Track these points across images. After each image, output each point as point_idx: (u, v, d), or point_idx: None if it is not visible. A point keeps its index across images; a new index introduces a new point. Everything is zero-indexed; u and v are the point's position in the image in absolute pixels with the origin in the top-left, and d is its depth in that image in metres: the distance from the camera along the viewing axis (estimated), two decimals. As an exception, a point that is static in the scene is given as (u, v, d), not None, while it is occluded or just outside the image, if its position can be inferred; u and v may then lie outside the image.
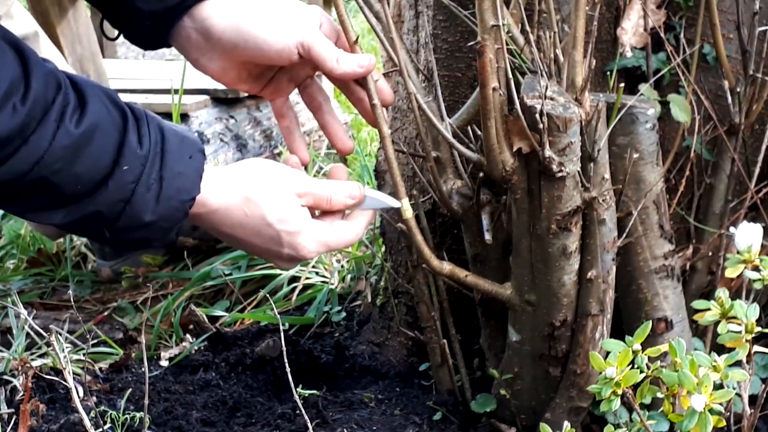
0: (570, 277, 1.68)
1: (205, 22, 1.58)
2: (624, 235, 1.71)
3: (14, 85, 1.31)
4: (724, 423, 1.37)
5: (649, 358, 1.38)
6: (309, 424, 1.71)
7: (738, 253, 1.47)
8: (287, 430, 1.86)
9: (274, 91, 1.68)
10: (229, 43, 1.58)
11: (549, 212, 1.62)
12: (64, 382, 1.58)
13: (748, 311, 1.40)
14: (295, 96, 1.71)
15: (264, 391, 2.03)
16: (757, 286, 1.45)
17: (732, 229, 1.50)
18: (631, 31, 1.86)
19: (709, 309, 1.43)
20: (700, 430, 1.32)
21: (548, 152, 1.57)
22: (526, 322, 1.74)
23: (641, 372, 1.37)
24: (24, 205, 1.42)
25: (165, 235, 1.48)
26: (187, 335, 2.34)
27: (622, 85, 1.65)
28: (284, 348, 1.69)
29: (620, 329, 1.77)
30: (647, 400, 1.39)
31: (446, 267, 1.71)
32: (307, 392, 1.92)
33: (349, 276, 2.42)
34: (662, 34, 1.83)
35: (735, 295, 1.52)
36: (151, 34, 1.62)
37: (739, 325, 1.40)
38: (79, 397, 1.59)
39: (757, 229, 1.47)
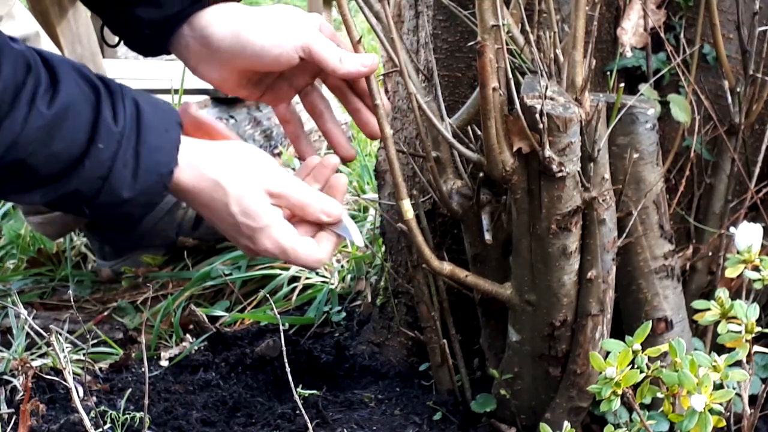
0: (570, 277, 1.68)
1: (204, 31, 1.59)
2: (624, 235, 1.71)
3: None
4: (724, 423, 1.37)
5: (649, 358, 1.38)
6: (309, 424, 1.71)
7: (738, 253, 1.47)
8: (287, 430, 1.86)
9: (275, 97, 1.68)
10: (228, 51, 1.58)
11: (549, 212, 1.62)
12: (64, 382, 1.58)
13: (748, 311, 1.40)
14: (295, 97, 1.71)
15: (264, 391, 2.03)
16: (757, 286, 1.45)
17: (732, 229, 1.51)
18: (631, 31, 1.86)
19: (709, 309, 1.43)
20: (700, 430, 1.32)
21: (548, 152, 1.57)
22: (526, 322, 1.74)
23: (641, 372, 1.37)
24: (1, 188, 1.42)
25: (147, 210, 1.48)
26: (187, 335, 2.34)
27: (622, 85, 1.65)
28: (284, 348, 1.69)
29: (620, 329, 1.77)
30: (647, 400, 1.40)
31: (446, 267, 1.71)
32: (307, 392, 1.91)
33: (349, 276, 2.42)
34: (662, 34, 1.83)
35: (735, 295, 1.52)
36: (151, 41, 1.63)
37: (739, 325, 1.40)
38: (79, 397, 1.59)
39: (757, 229, 1.47)
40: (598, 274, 1.68)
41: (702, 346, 1.86)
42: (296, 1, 5.51)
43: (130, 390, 1.98)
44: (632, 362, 1.37)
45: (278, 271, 2.46)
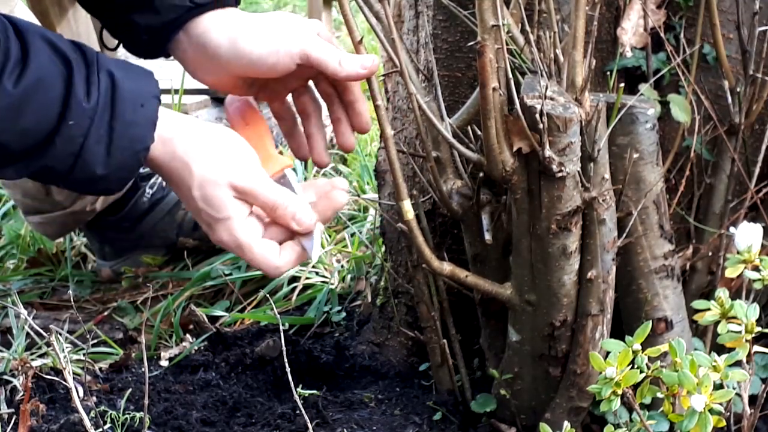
0: (570, 277, 1.68)
1: (200, 38, 1.58)
2: (624, 235, 1.71)
3: None
4: (724, 423, 1.37)
5: (649, 358, 1.38)
6: (309, 424, 1.71)
7: (738, 253, 1.47)
8: (287, 430, 1.86)
9: (269, 96, 1.68)
10: (225, 58, 1.57)
11: (549, 212, 1.62)
12: (64, 382, 1.58)
13: (748, 311, 1.40)
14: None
15: (264, 391, 2.03)
16: (757, 286, 1.45)
17: (732, 229, 1.50)
18: (631, 31, 1.86)
19: (709, 309, 1.43)
20: (700, 430, 1.32)
21: (548, 152, 1.57)
22: (526, 322, 1.74)
23: (641, 372, 1.37)
24: None
25: (125, 184, 1.46)
26: (187, 335, 2.34)
27: (622, 85, 1.65)
28: (284, 348, 1.69)
29: (620, 329, 1.77)
30: (647, 400, 1.39)
31: (447, 267, 1.71)
32: (307, 392, 1.92)
33: (349, 276, 2.42)
34: (662, 34, 1.83)
35: (735, 295, 1.52)
36: (149, 46, 1.62)
37: (739, 325, 1.40)
38: (79, 397, 1.59)
39: (757, 229, 1.47)
40: (598, 274, 1.68)
41: (702, 346, 1.86)
42: (296, 0, 5.51)
43: (130, 390, 1.98)
44: (632, 362, 1.37)
45: (278, 271, 2.46)
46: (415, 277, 1.88)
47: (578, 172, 1.61)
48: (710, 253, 1.88)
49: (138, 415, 1.84)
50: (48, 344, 2.19)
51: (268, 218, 1.52)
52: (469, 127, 1.70)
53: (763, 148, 1.84)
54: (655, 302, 1.76)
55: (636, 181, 1.71)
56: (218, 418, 1.93)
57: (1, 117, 1.33)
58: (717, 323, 1.42)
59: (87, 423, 1.59)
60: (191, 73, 1.64)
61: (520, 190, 1.64)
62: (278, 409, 1.92)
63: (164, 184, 2.68)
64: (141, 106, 1.42)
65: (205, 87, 3.43)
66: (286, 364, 1.64)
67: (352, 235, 2.54)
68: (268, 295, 2.39)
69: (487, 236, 1.72)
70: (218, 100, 3.29)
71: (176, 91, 3.00)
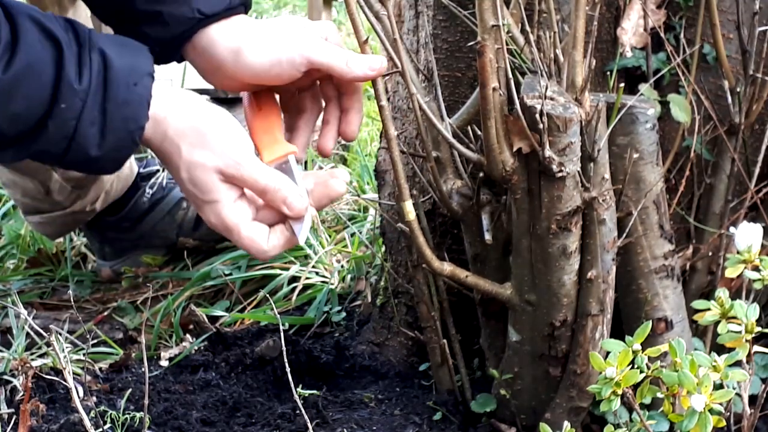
0: (570, 277, 1.68)
1: (206, 51, 1.58)
2: (624, 235, 1.71)
3: None
4: (724, 423, 1.37)
5: (649, 358, 1.38)
6: (309, 424, 1.71)
7: (738, 253, 1.47)
8: (287, 430, 1.86)
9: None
10: (229, 70, 1.58)
11: (549, 212, 1.62)
12: (64, 382, 1.58)
13: (748, 311, 1.40)
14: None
15: (264, 391, 2.03)
16: (757, 286, 1.45)
17: (732, 229, 1.51)
18: (631, 31, 1.86)
19: (709, 309, 1.43)
20: (700, 430, 1.32)
21: (548, 152, 1.57)
22: (526, 322, 1.74)
23: (641, 372, 1.37)
24: None
25: (121, 164, 1.45)
26: (187, 335, 2.34)
27: (622, 85, 1.65)
28: (284, 348, 1.69)
29: (620, 329, 1.77)
30: (647, 400, 1.40)
31: (447, 268, 1.71)
32: (307, 392, 1.92)
33: (349, 276, 2.42)
34: (662, 34, 1.83)
35: (735, 295, 1.52)
36: (161, 56, 1.62)
37: (739, 325, 1.40)
38: (79, 397, 1.59)
39: (757, 229, 1.47)
40: (598, 274, 1.68)
41: (702, 346, 1.86)
42: (296, 0, 5.52)
43: (130, 390, 1.98)
44: (632, 362, 1.37)
45: (278, 271, 2.47)
46: (415, 277, 1.88)
47: (578, 172, 1.61)
48: (710, 253, 1.88)
49: (138, 415, 1.84)
50: (48, 344, 2.19)
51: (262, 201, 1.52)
52: (469, 127, 1.70)
53: (763, 148, 1.84)
54: (655, 302, 1.76)
55: (636, 181, 1.71)
56: (218, 418, 1.93)
57: None
58: (717, 323, 1.42)
59: (87, 423, 1.59)
60: (202, 78, 1.65)
61: (520, 190, 1.64)
62: (278, 409, 1.92)
63: (164, 184, 2.69)
64: (134, 85, 1.41)
65: (205, 87, 3.44)
66: (286, 364, 1.64)
67: (352, 235, 2.54)
68: (268, 295, 2.39)
69: (487, 236, 1.73)
70: (219, 100, 3.29)
71: (176, 91, 2.99)
